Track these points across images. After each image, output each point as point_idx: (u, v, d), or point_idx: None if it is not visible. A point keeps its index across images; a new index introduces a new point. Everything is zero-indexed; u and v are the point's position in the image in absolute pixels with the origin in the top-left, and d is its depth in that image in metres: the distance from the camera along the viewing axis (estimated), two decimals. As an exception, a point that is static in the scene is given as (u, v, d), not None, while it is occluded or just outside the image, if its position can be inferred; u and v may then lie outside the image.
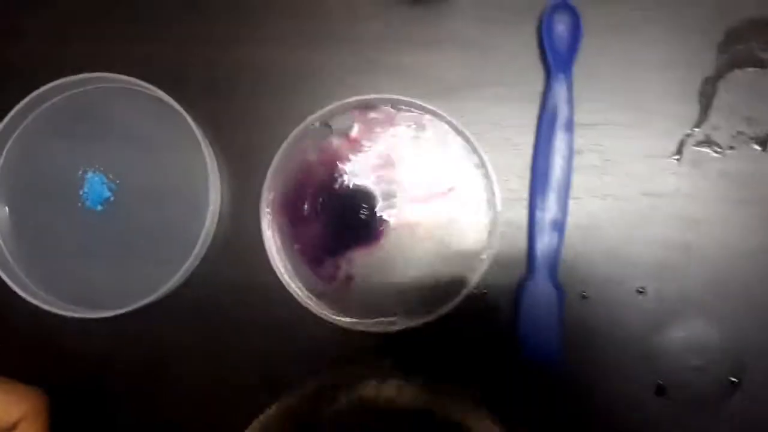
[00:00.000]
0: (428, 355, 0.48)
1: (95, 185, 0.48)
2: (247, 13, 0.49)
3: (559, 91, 0.47)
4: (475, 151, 0.47)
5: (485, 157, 0.46)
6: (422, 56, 0.49)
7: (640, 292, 0.47)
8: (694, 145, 0.48)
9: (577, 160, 0.47)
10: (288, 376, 0.47)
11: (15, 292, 0.46)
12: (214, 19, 0.50)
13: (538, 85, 0.48)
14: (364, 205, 0.47)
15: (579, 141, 0.47)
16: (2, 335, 0.49)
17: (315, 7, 0.49)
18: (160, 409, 0.49)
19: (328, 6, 0.49)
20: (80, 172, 0.48)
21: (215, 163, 0.47)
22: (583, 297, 0.47)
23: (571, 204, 0.47)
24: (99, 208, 0.48)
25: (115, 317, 0.45)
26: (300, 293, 0.46)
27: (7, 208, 0.48)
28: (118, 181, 0.48)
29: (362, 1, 0.49)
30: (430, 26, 0.49)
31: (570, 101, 0.47)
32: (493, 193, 0.46)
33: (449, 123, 0.47)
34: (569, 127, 0.47)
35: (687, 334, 0.47)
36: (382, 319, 0.47)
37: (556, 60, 0.47)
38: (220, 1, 0.49)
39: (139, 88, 0.47)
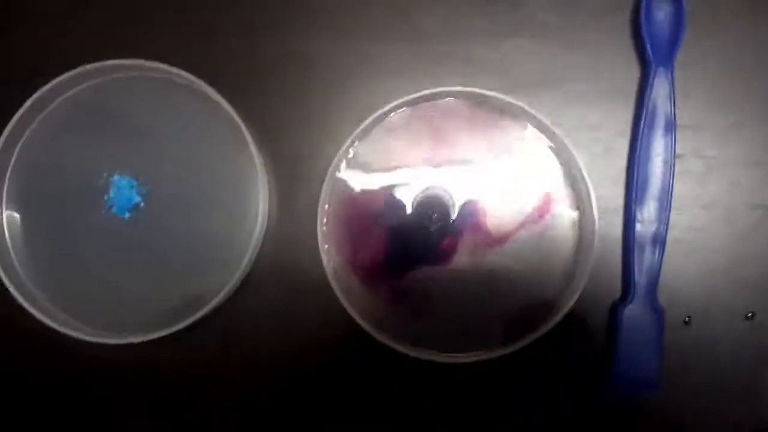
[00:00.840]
0: (505, 387, 0.42)
1: (123, 189, 0.41)
2: (301, 3, 0.43)
3: (659, 87, 0.41)
4: (565, 154, 0.41)
5: (579, 162, 0.40)
6: (495, 48, 0.43)
7: (749, 317, 0.42)
8: (808, 150, 0.42)
9: (678, 166, 0.41)
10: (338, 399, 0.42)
11: (29, 313, 0.39)
12: (263, 8, 0.43)
13: (632, 81, 0.43)
14: (435, 216, 0.41)
15: (680, 144, 0.41)
16: (15, 362, 0.42)
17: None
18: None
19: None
20: (105, 174, 0.41)
21: (263, 167, 0.41)
22: (685, 322, 0.42)
23: (672, 215, 0.41)
24: (127, 215, 0.41)
25: (142, 343, 0.39)
26: (361, 319, 0.40)
27: (18, 215, 0.42)
28: (149, 185, 0.41)
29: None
30: (505, 13, 0.43)
31: (671, 99, 0.41)
32: (588, 203, 0.40)
33: (535, 121, 0.41)
34: (670, 128, 0.41)
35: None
36: (455, 354, 0.40)
37: (655, 52, 0.42)
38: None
39: (177, 79, 0.41)
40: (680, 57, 0.42)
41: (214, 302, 0.39)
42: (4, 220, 0.41)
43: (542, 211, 0.41)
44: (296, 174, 0.42)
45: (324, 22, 0.43)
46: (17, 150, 0.41)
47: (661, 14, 0.42)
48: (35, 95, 0.40)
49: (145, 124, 0.42)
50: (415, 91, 0.41)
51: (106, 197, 0.41)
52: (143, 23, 0.43)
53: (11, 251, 0.41)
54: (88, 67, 0.41)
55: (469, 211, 0.41)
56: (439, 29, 0.43)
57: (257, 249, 0.41)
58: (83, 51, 0.41)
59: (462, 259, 0.41)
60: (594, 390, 0.41)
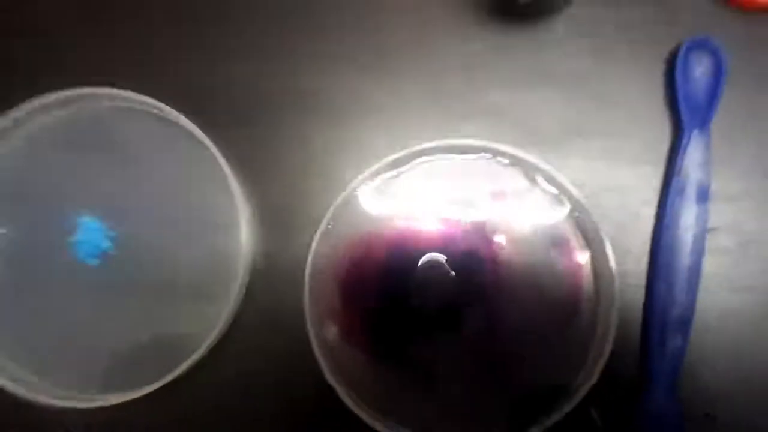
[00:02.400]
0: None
1: (90, 233, 0.37)
2: (301, 38, 0.40)
3: (693, 151, 0.37)
4: (583, 217, 0.37)
5: (599, 228, 0.36)
6: (513, 96, 0.39)
7: (780, 416, 0.37)
8: None
9: (710, 241, 0.37)
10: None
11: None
12: (260, 38, 0.40)
13: (664, 141, 0.38)
14: (440, 284, 0.37)
15: (714, 217, 0.37)
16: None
17: (379, 26, 0.40)
18: None
19: (395, 27, 0.39)
20: (72, 216, 0.37)
21: (250, 213, 0.37)
22: (707, 416, 0.37)
23: (700, 297, 0.37)
24: (95, 261, 0.37)
25: (118, 405, 0.35)
26: (350, 402, 0.36)
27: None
28: (121, 228, 0.37)
29: (439, 21, 0.39)
30: (526, 59, 0.39)
31: (707, 165, 0.37)
32: (610, 279, 0.36)
33: (551, 179, 0.37)
34: (704, 197, 0.37)
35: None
36: None
37: (691, 111, 0.37)
38: (265, 18, 0.40)
39: (154, 111, 0.37)
40: (719, 119, 0.38)
41: (190, 360, 0.35)
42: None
43: (574, 298, 0.37)
44: (287, 223, 0.38)
45: (331, 63, 0.39)
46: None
47: (699, 70, 0.38)
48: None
49: (123, 160, 0.38)
50: (424, 142, 0.37)
51: (72, 241, 0.37)
52: (123, 47, 0.40)
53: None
54: (67, 93, 0.37)
55: (478, 282, 0.37)
56: (456, 76, 0.39)
57: (238, 303, 0.37)
58: (54, 74, 0.37)
59: (468, 335, 0.37)
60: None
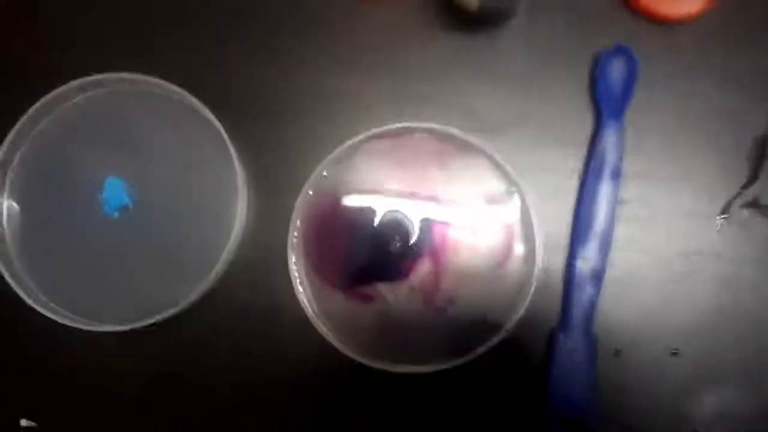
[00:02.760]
0: (453, 399, 0.45)
1: (114, 190, 0.45)
2: (291, 36, 0.48)
3: (609, 137, 0.46)
4: (516, 190, 0.45)
5: (528, 199, 0.44)
6: (464, 88, 0.47)
7: (674, 353, 0.46)
8: (742, 206, 0.46)
9: (620, 211, 0.45)
10: (298, 406, 0.46)
11: (20, 298, 0.43)
12: (257, 39, 0.48)
13: (587, 130, 0.47)
14: (396, 236, 0.45)
15: (628, 191, 0.46)
16: (5, 344, 0.46)
17: (359, 33, 0.48)
18: (168, 428, 0.46)
19: (372, 33, 0.48)
20: (100, 177, 0.45)
21: (245, 180, 0.45)
22: (616, 352, 0.46)
23: (611, 255, 0.45)
24: (116, 215, 0.45)
25: (125, 332, 0.43)
26: (322, 326, 0.44)
27: (17, 207, 0.46)
28: (139, 189, 0.45)
29: (406, 28, 0.48)
30: (476, 58, 0.48)
31: (620, 149, 0.45)
32: (535, 238, 0.44)
33: (490, 158, 0.45)
34: (616, 175, 0.45)
35: (720, 400, 0.45)
36: (407, 365, 0.44)
37: (608, 105, 0.46)
38: (264, 20, 0.48)
39: (172, 95, 0.45)
40: (632, 111, 0.46)
41: (190, 298, 0.43)
42: (5, 210, 0.45)
43: (505, 251, 0.45)
44: (274, 189, 0.46)
45: (313, 56, 0.48)
46: (21, 150, 0.45)
47: (616, 71, 0.46)
48: (40, 101, 0.44)
49: (139, 134, 0.46)
50: (390, 124, 0.45)
51: (99, 197, 0.45)
52: (145, 40, 0.48)
53: (8, 239, 0.45)
54: (90, 78, 0.45)
55: (428, 236, 0.45)
56: (416, 72, 0.47)
57: (233, 253, 0.45)
58: (87, 63, 0.45)
59: (419, 278, 0.45)
60: (533, 406, 0.45)
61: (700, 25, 0.47)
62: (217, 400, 0.46)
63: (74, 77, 0.45)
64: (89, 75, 0.45)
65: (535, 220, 0.44)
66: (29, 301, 0.43)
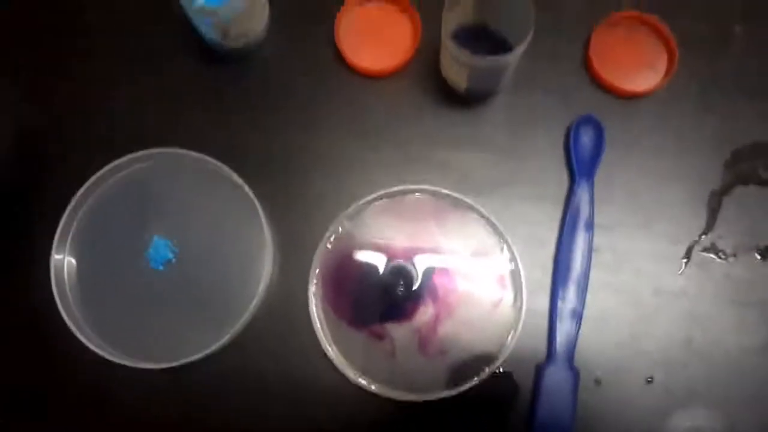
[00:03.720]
0: (453, 426, 0.51)
1: (160, 248, 0.53)
2: (308, 112, 0.56)
3: (582, 194, 0.53)
4: (504, 241, 0.52)
5: (514, 249, 0.52)
6: (457, 156, 0.55)
7: (649, 381, 0.52)
8: (701, 251, 0.53)
9: (595, 258, 0.52)
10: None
11: (75, 337, 0.50)
12: (280, 116, 0.56)
13: (563, 187, 0.54)
14: (401, 282, 0.52)
15: (597, 240, 0.53)
16: (61, 378, 0.53)
17: (364, 112, 0.56)
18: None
19: (375, 108, 0.56)
20: (147, 236, 0.53)
21: (271, 238, 0.52)
22: (597, 382, 0.52)
23: (588, 296, 0.52)
24: (161, 268, 0.53)
25: (164, 370, 0.50)
26: (336, 358, 0.51)
27: (76, 262, 0.53)
28: (180, 247, 0.53)
29: (405, 105, 0.56)
30: (466, 129, 0.56)
31: (591, 204, 0.53)
32: (521, 283, 0.51)
33: (481, 214, 0.52)
34: (589, 227, 0.52)
35: (692, 424, 0.51)
36: (409, 393, 0.51)
37: (580, 167, 0.54)
38: (284, 100, 0.56)
39: (209, 165, 0.53)
40: (601, 171, 0.54)
41: (222, 341, 0.50)
42: (65, 266, 0.53)
43: (496, 296, 0.52)
44: (295, 244, 0.54)
45: (327, 130, 0.56)
46: (80, 214, 0.53)
47: (586, 138, 0.54)
48: (96, 174, 0.53)
49: (180, 199, 0.54)
50: (394, 186, 0.53)
51: (146, 253, 0.53)
52: (184, 120, 0.56)
53: (68, 291, 0.53)
54: (139, 153, 0.53)
55: (428, 282, 0.52)
56: (416, 140, 0.55)
57: (260, 300, 0.52)
58: (135, 139, 0.54)
59: (421, 319, 0.52)
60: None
61: (656, 98, 0.55)
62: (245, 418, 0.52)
63: (123, 153, 0.53)
64: (137, 150, 0.53)
65: (521, 267, 0.51)
66: (87, 343, 0.50)
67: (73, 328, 0.50)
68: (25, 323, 0.53)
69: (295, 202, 0.55)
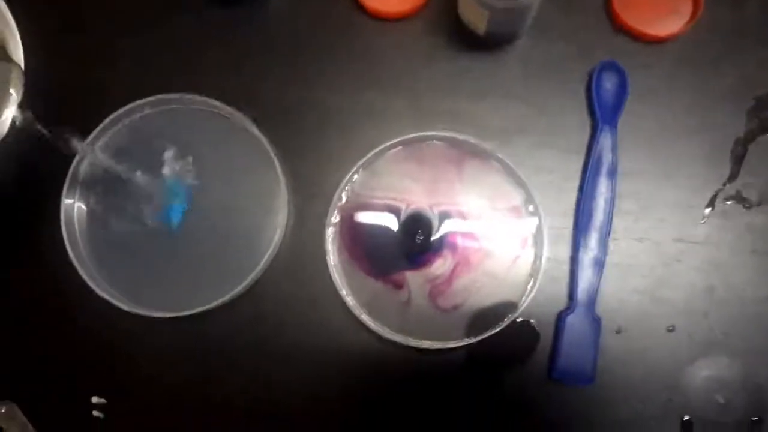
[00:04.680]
0: (471, 373, 0.51)
1: (172, 196, 0.52)
2: (320, 60, 0.54)
3: (605, 141, 0.52)
4: (524, 189, 0.51)
5: (535, 197, 0.51)
6: (476, 104, 0.54)
7: (670, 330, 0.51)
8: (725, 199, 0.52)
9: (617, 204, 0.51)
10: (332, 384, 0.52)
11: (87, 286, 0.49)
12: (294, 65, 0.55)
13: (584, 135, 0.53)
14: (420, 230, 0.51)
15: (621, 187, 0.52)
16: (71, 328, 0.52)
17: (378, 58, 0.55)
18: (209, 409, 0.52)
19: (389, 55, 0.55)
20: (159, 184, 0.52)
21: (286, 185, 0.51)
22: (618, 331, 0.51)
23: (610, 244, 0.51)
24: (174, 217, 0.52)
25: (178, 319, 0.49)
26: (353, 305, 0.50)
27: (86, 209, 0.52)
28: (193, 194, 0.52)
29: (420, 51, 0.55)
30: (483, 75, 0.54)
31: (614, 150, 0.52)
32: (541, 230, 0.50)
33: (500, 161, 0.51)
34: (612, 174, 0.51)
35: (712, 372, 0.51)
36: (432, 341, 0.50)
37: (603, 113, 0.52)
38: (296, 48, 0.55)
39: (220, 111, 0.52)
40: (625, 117, 0.52)
41: (238, 289, 0.49)
42: (75, 211, 0.52)
43: (518, 247, 0.51)
44: (311, 193, 0.53)
45: (341, 78, 0.54)
46: (90, 158, 0.52)
47: (609, 84, 0.53)
48: (110, 117, 0.51)
49: (192, 146, 0.53)
50: (409, 134, 0.52)
51: (158, 201, 0.52)
52: (201, 67, 0.55)
53: (78, 238, 0.51)
54: (159, 96, 0.52)
55: (447, 232, 0.51)
56: (432, 88, 0.54)
57: (277, 250, 0.51)
58: (153, 84, 0.53)
59: (438, 269, 0.51)
60: (543, 378, 0.51)
61: (680, 43, 0.54)
62: (261, 381, 0.52)
63: (136, 98, 0.52)
64: (153, 95, 0.52)
65: (542, 215, 0.50)
66: (100, 292, 0.49)
67: (84, 276, 0.49)
68: (36, 276, 0.52)
69: (310, 150, 0.53)
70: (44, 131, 0.46)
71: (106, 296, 0.49)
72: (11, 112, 0.44)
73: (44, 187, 0.52)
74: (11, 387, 0.52)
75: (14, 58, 0.46)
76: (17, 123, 0.45)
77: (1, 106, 0.43)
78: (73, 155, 0.50)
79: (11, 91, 0.44)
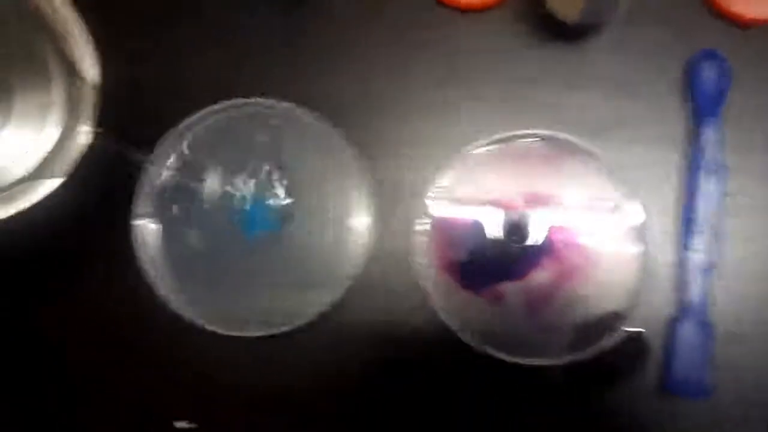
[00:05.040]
0: (578, 390, 0.47)
1: (254, 207, 0.48)
2: (401, 55, 0.51)
3: (708, 134, 0.48)
4: (626, 187, 0.47)
5: (637, 195, 0.47)
6: (560, 94, 0.50)
7: (792, 336, 0.47)
8: (843, 195, 0.49)
9: (727, 202, 0.48)
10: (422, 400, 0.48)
11: (163, 304, 0.46)
12: (361, 52, 0.51)
13: (684, 127, 0.49)
14: (515, 237, 0.47)
15: (730, 184, 0.48)
16: (147, 345, 0.49)
17: (462, 51, 0.51)
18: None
19: (473, 47, 0.51)
20: (236, 192, 0.48)
21: (369, 189, 0.48)
22: (733, 337, 0.47)
23: (721, 244, 0.47)
24: (256, 230, 0.48)
25: (266, 338, 0.46)
26: (449, 320, 0.46)
27: (161, 224, 0.48)
28: (271, 201, 0.48)
29: (507, 39, 0.51)
30: (571, 66, 0.51)
31: (720, 144, 0.48)
32: (645, 232, 0.47)
33: (598, 159, 0.47)
34: (720, 169, 0.48)
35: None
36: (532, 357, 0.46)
37: (704, 104, 0.49)
38: (377, 42, 0.51)
39: (304, 117, 0.48)
40: (729, 108, 0.49)
41: (324, 304, 0.46)
42: (149, 227, 0.48)
43: (621, 250, 0.47)
44: (397, 197, 0.49)
45: (427, 70, 0.51)
46: (165, 168, 0.48)
47: (709, 73, 0.49)
48: (183, 122, 0.48)
49: (276, 152, 0.49)
50: (498, 130, 0.48)
51: (238, 213, 0.48)
52: (264, 67, 0.51)
53: (156, 255, 0.47)
54: (236, 101, 0.48)
55: (546, 238, 0.47)
56: (520, 81, 0.50)
57: (363, 260, 0.47)
58: (231, 88, 0.49)
59: (536, 280, 0.47)
60: (653, 391, 0.47)
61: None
62: (354, 398, 0.48)
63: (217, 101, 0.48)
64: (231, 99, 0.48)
65: (646, 216, 0.47)
66: (179, 310, 0.46)
67: (163, 294, 0.46)
68: (111, 296, 0.50)
69: (395, 151, 0.50)
70: (119, 148, 0.43)
71: (187, 314, 0.46)
72: (84, 130, 0.41)
73: (119, 203, 0.48)
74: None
75: (87, 75, 0.42)
76: (91, 142, 0.42)
77: (74, 125, 0.40)
78: (146, 171, 0.47)
79: (83, 109, 0.41)
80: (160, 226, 0.48)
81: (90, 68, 0.42)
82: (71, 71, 0.42)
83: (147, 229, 0.48)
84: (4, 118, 0.45)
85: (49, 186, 0.41)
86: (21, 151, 0.45)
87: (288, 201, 0.48)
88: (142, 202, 0.47)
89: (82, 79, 0.42)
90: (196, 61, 0.51)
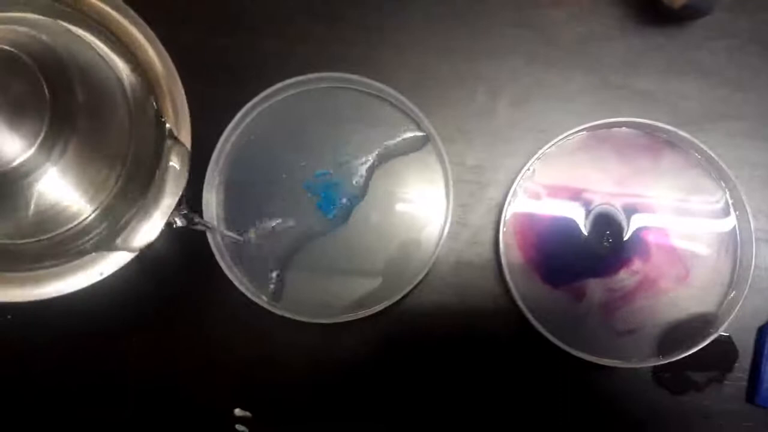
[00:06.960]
0: (655, 395, 0.46)
1: (331, 190, 0.46)
2: (485, 33, 0.48)
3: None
4: (728, 185, 0.45)
5: (740, 194, 0.44)
6: (661, 82, 0.47)
7: None
8: None
9: None
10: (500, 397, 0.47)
11: (231, 284, 0.44)
12: (456, 41, 0.48)
13: (794, 124, 0.46)
14: (608, 232, 0.45)
15: None
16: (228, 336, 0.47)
17: (553, 29, 0.48)
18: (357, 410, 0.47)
19: (567, 29, 0.48)
20: (313, 176, 0.46)
21: (451, 174, 0.45)
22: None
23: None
24: (332, 214, 0.46)
25: (336, 325, 0.44)
26: (528, 312, 0.44)
27: (227, 200, 0.46)
28: (353, 188, 0.46)
29: (604, 21, 0.48)
30: (673, 52, 0.47)
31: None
32: (747, 233, 0.44)
33: (702, 152, 0.45)
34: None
35: None
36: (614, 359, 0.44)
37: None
38: (459, 22, 0.48)
39: (384, 95, 0.46)
40: None
41: (402, 291, 0.44)
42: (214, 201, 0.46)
43: (718, 251, 0.45)
44: (480, 185, 0.47)
45: (514, 51, 0.48)
46: (228, 147, 0.46)
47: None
48: (252, 100, 0.45)
49: (350, 131, 0.47)
50: (592, 118, 0.45)
51: (316, 195, 0.46)
52: (357, 43, 0.49)
53: (220, 239, 0.45)
54: (323, 74, 0.46)
55: (638, 234, 0.45)
56: (619, 66, 0.47)
57: (440, 248, 0.45)
58: (307, 62, 0.47)
59: (625, 281, 0.45)
60: (739, 402, 0.45)
61: None
62: (424, 385, 0.47)
63: (292, 75, 0.46)
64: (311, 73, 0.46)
65: (750, 217, 0.44)
66: (244, 290, 0.44)
67: (236, 282, 0.44)
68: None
69: (479, 136, 0.47)
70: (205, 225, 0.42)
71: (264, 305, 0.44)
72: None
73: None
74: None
75: (184, 140, 0.37)
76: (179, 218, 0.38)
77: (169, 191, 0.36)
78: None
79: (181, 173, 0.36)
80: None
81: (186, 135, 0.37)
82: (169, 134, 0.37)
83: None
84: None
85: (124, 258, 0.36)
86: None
87: (360, 178, 0.46)
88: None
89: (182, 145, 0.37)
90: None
